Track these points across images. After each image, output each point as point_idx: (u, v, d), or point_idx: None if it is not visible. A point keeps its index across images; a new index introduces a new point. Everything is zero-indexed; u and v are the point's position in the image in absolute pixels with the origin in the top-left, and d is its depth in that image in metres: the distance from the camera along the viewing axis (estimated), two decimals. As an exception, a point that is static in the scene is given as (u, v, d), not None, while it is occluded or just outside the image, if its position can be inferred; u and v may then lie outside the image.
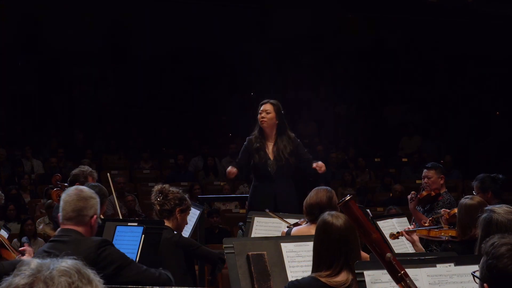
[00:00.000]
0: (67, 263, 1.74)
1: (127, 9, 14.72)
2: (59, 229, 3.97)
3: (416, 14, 14.80)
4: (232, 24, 15.01)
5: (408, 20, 15.15)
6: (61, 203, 3.93)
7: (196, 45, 15.14)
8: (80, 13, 14.26)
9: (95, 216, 3.91)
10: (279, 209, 6.37)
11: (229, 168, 6.78)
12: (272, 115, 6.74)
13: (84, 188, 4.04)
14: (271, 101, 6.83)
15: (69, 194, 3.93)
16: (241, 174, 6.95)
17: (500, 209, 3.83)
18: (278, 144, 6.75)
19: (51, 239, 3.99)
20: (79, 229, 3.87)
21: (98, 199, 3.99)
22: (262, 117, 6.74)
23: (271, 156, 6.75)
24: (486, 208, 3.90)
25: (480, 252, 3.73)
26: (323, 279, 3.38)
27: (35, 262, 1.73)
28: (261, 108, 6.79)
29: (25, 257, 4.76)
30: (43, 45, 15.00)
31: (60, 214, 3.94)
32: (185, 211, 5.17)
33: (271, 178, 6.71)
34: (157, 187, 5.22)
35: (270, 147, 6.78)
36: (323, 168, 6.74)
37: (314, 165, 6.69)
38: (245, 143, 6.89)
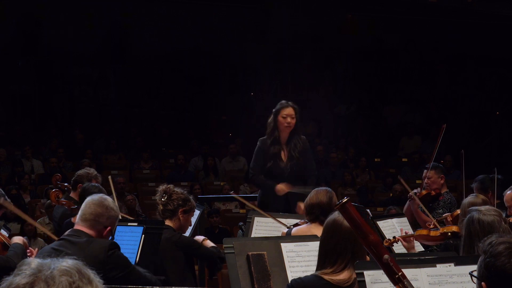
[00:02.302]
0: (67, 263, 1.74)
1: (127, 9, 14.72)
2: (71, 229, 4.03)
3: (416, 14, 14.80)
4: (232, 24, 15.01)
5: (408, 20, 15.15)
6: (83, 204, 3.99)
7: (196, 45, 15.14)
8: (80, 13, 14.27)
9: (109, 228, 3.94)
10: (291, 209, 6.38)
11: (281, 185, 6.54)
12: (295, 119, 6.64)
13: (109, 198, 4.07)
14: (292, 104, 6.66)
15: (93, 197, 3.99)
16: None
17: (483, 209, 3.85)
18: (290, 144, 6.68)
19: (62, 237, 4.02)
20: (91, 232, 3.90)
21: (118, 214, 4.02)
22: (288, 123, 6.59)
23: (284, 158, 6.70)
24: (470, 208, 3.93)
25: (465, 252, 3.77)
26: (326, 277, 3.37)
27: (35, 262, 1.74)
28: (285, 112, 6.59)
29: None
30: (43, 45, 15.00)
31: (78, 214, 3.99)
32: (189, 212, 5.16)
33: (284, 179, 6.66)
34: (162, 187, 5.21)
35: (284, 149, 6.72)
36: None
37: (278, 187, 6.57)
38: (258, 145, 6.76)
